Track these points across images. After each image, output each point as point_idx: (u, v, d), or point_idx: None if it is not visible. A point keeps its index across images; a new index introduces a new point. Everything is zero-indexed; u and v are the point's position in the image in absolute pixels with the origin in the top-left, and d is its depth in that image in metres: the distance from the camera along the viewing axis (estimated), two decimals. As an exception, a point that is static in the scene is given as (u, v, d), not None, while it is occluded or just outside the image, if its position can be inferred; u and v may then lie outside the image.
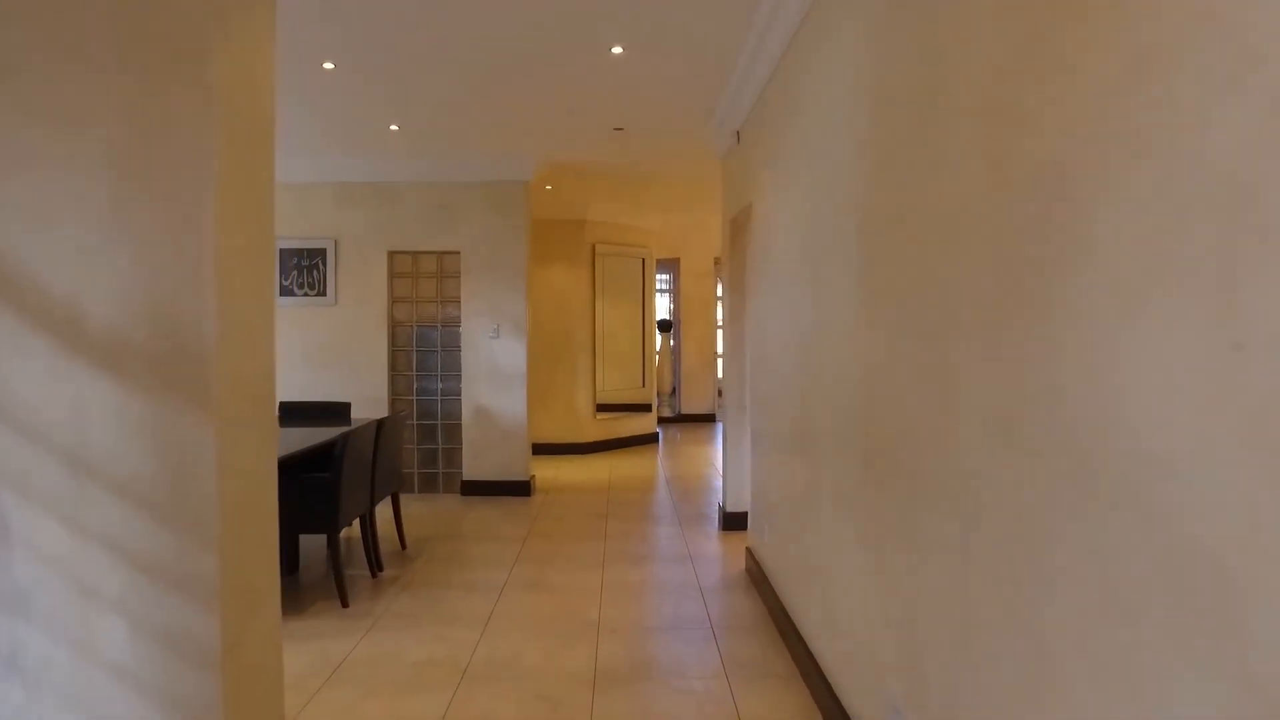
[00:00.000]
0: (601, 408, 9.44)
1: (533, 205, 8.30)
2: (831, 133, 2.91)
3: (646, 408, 10.06)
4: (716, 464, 8.61)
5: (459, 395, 6.97)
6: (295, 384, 6.84)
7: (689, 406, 12.29)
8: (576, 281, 9.26)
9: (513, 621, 3.92)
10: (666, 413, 12.02)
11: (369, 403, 6.86)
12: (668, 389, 12.12)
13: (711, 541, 5.45)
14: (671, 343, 12.33)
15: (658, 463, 8.77)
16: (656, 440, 10.17)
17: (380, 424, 4.72)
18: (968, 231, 1.74)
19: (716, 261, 12.35)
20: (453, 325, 7.01)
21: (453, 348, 7.00)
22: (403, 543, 5.26)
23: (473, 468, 6.93)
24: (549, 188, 8.05)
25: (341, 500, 4.06)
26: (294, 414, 5.65)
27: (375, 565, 4.65)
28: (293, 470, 4.43)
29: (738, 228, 5.61)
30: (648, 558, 5.07)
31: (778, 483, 3.99)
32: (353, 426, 4.92)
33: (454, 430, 7.02)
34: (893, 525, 2.23)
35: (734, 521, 5.70)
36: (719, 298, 12.92)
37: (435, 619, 3.96)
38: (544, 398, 9.13)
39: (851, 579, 2.68)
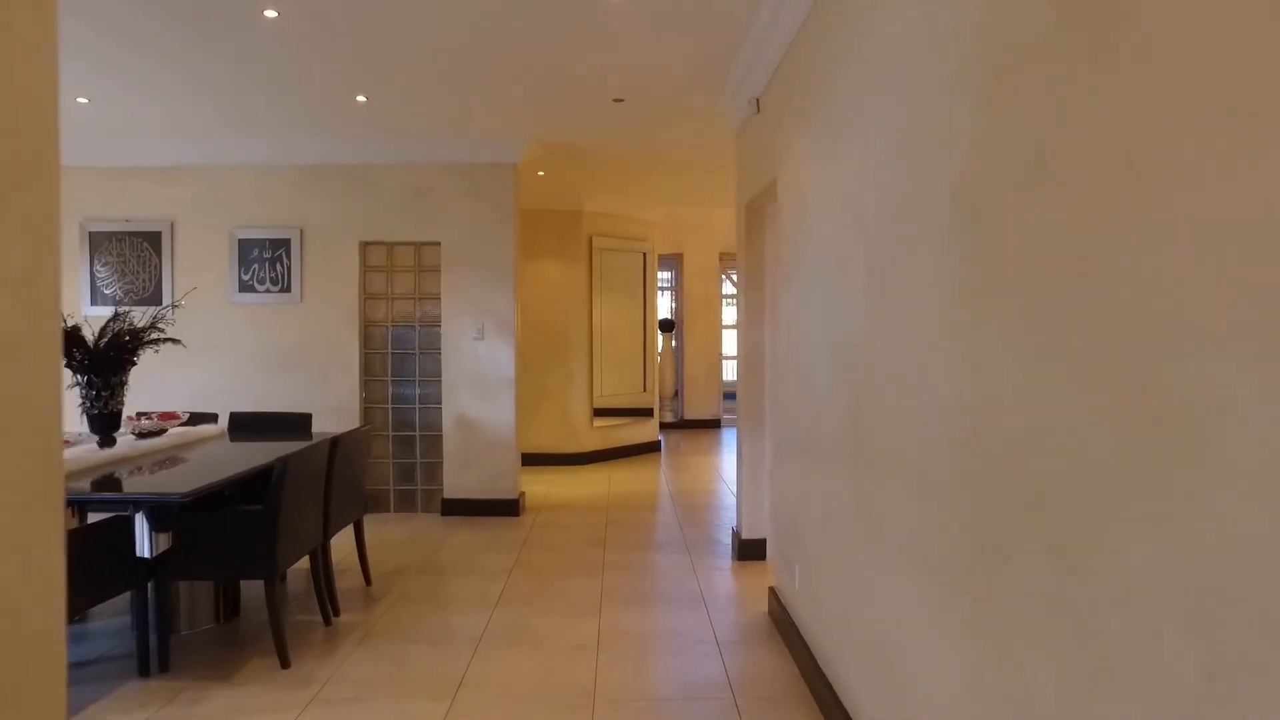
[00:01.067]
0: (599, 412, 8.71)
1: (523, 193, 7.57)
2: (904, 71, 2.18)
3: (648, 413, 9.33)
4: (725, 476, 7.88)
5: (439, 403, 6.24)
6: (255, 393, 6.11)
7: (692, 411, 11.56)
8: (572, 277, 8.54)
9: (488, 691, 3.18)
10: (668, 418, 11.30)
11: (338, 413, 6.13)
12: (670, 393, 11.40)
13: (725, 575, 4.73)
14: (674, 344, 11.61)
15: (660, 475, 8.04)
16: (658, 449, 9.44)
17: (335, 442, 3.99)
18: (1214, 165, 1.01)
19: (722, 257, 11.63)
20: (432, 325, 6.27)
21: (432, 350, 6.27)
22: (367, 578, 4.52)
23: (455, 484, 6.21)
24: (541, 174, 7.32)
25: (280, 538, 3.33)
26: (245, 427, 4.92)
27: (330, 610, 3.92)
28: (223, 502, 3.69)
29: (755, 213, 4.88)
30: (652, 597, 4.34)
31: (812, 514, 3.26)
32: (312, 441, 4.20)
33: (434, 443, 6.29)
34: (1030, 620, 1.50)
35: (751, 550, 4.97)
36: (727, 296, 12.19)
37: (393, 687, 3.22)
38: (537, 404, 8.41)
39: (940, 666, 1.95)
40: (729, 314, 12.49)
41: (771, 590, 4.07)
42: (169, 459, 3.91)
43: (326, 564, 3.93)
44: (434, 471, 6.31)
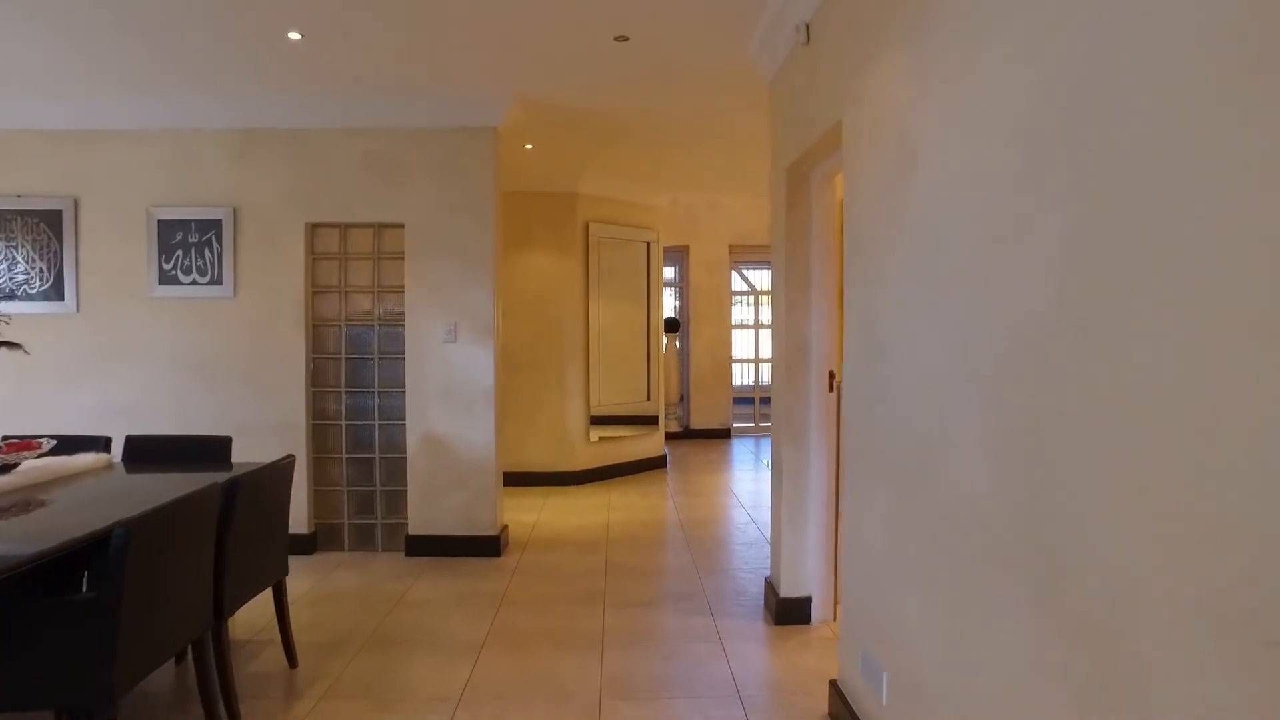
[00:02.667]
0: (597, 420, 7.63)
1: (509, 171, 6.48)
2: None
3: (652, 421, 8.24)
4: (742, 499, 6.79)
5: (403, 420, 5.14)
6: (177, 409, 5.01)
7: (700, 420, 10.48)
8: (566, 270, 7.45)
9: None
10: (673, 427, 10.22)
11: (280, 431, 5.03)
12: (675, 399, 10.31)
13: (761, 649, 3.64)
14: (678, 345, 10.53)
15: (667, 498, 6.95)
16: (664, 464, 8.35)
17: (233, 488, 2.89)
18: None
19: (732, 249, 10.55)
20: (395, 324, 5.18)
21: (395, 355, 5.18)
22: (291, 658, 3.43)
23: (422, 518, 5.11)
24: (529, 147, 6.23)
25: (122, 642, 2.23)
26: (145, 456, 3.82)
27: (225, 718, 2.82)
28: (38, 583, 2.60)
29: (799, 179, 3.80)
30: (668, 687, 3.25)
31: (922, 616, 2.17)
32: (235, 473, 3.12)
33: (397, 467, 5.20)
34: None
35: (792, 612, 3.89)
36: (737, 293, 11.10)
37: None
38: (526, 417, 7.32)
39: None
40: (738, 312, 11.40)
41: (834, 686, 2.98)
42: (16, 505, 2.82)
43: (220, 653, 2.84)
44: (397, 502, 5.21)
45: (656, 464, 8.27)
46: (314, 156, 5.04)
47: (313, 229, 5.13)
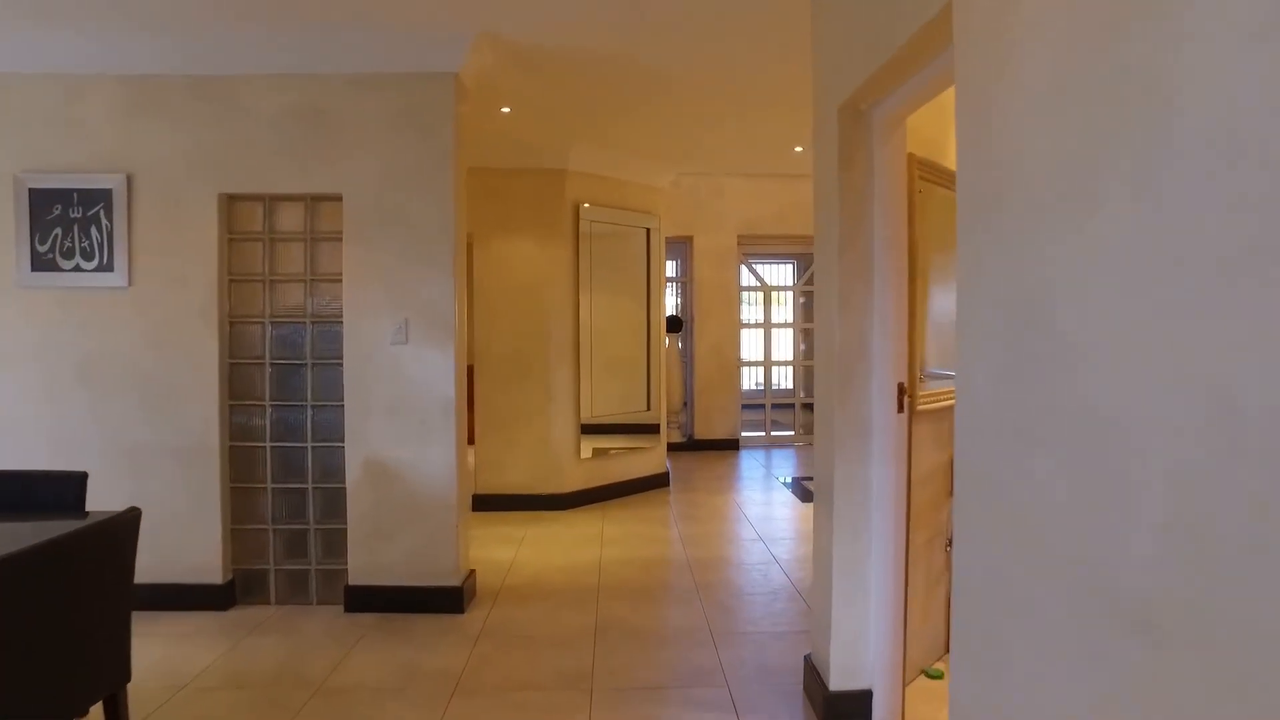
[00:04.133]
0: (589, 429, 6.60)
1: (482, 138, 5.46)
2: None
3: (652, 430, 7.21)
4: (755, 524, 5.76)
5: (341, 441, 4.11)
6: (56, 428, 3.99)
7: (704, 429, 9.45)
8: (553, 259, 6.42)
9: None
10: (675, 437, 9.18)
11: (187, 456, 4.00)
12: (677, 406, 9.28)
13: (810, 772, 2.61)
14: (680, 345, 9.50)
15: (671, 526, 5.92)
16: (666, 483, 7.32)
17: (11, 564, 1.86)
18: None
19: (741, 240, 9.52)
20: (332, 321, 4.15)
21: (332, 359, 4.15)
22: (139, 799, 2.40)
23: (367, 563, 4.08)
24: (506, 110, 5.21)
25: None
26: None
27: None
28: None
29: (856, 120, 2.79)
30: None
31: None
32: (86, 521, 2.12)
33: (334, 499, 4.16)
34: None
35: (847, 711, 2.86)
36: (746, 288, 10.07)
37: None
38: (504, 430, 6.30)
39: None
40: (747, 311, 10.37)
41: None
42: None
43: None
44: (335, 542, 4.18)
45: (657, 482, 7.23)
46: (229, 109, 4.01)
47: (229, 202, 4.09)
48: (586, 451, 6.59)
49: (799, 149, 6.51)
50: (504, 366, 6.35)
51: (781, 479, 7.76)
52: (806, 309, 10.43)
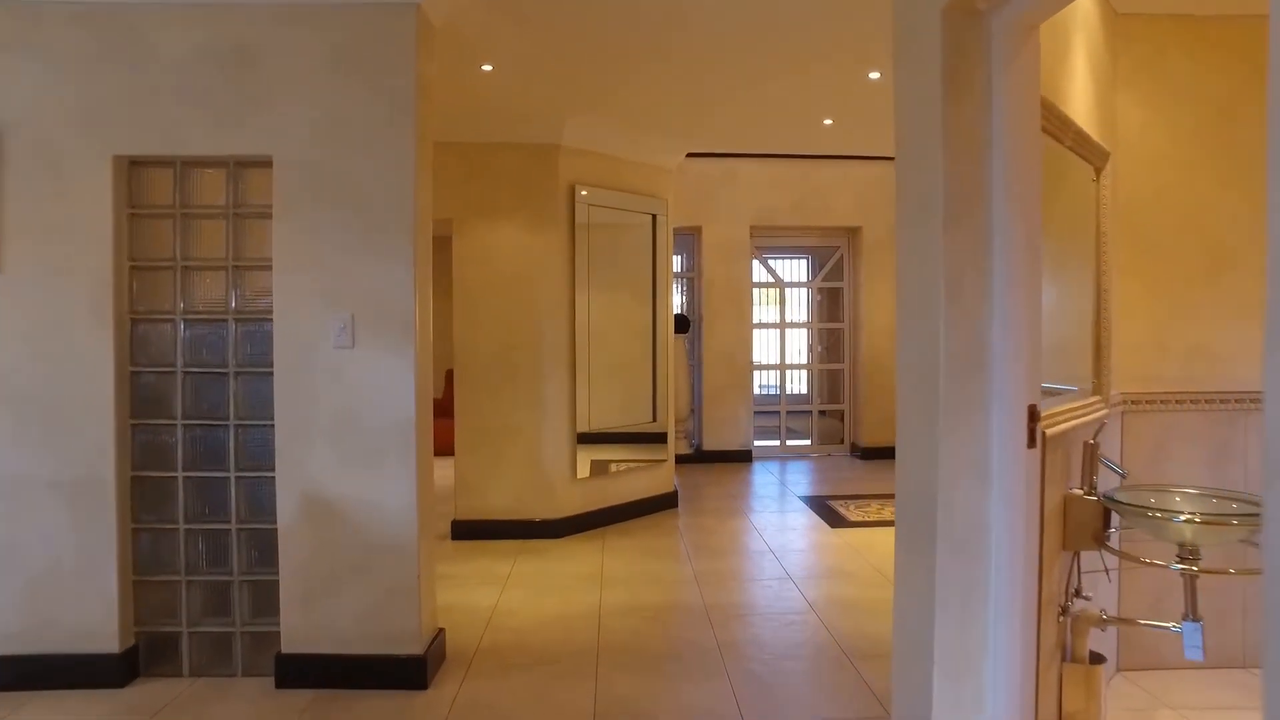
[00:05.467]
0: (586, 439, 5.75)
1: (459, 102, 4.61)
2: None
3: (658, 439, 6.35)
4: (782, 556, 4.90)
5: (272, 470, 3.24)
6: (-109, 451, 3.11)
7: (714, 439, 8.59)
8: (545, 249, 5.56)
9: None
10: (683, 448, 8.32)
11: (72, 488, 3.14)
12: (685, 414, 8.42)
13: None
14: (688, 347, 8.64)
15: (682, 560, 5.06)
16: (674, 504, 6.46)
17: None
18: None
19: (754, 231, 8.68)
20: (259, 319, 3.28)
21: (259, 368, 3.28)
22: None
23: (303, 625, 3.21)
24: (488, 68, 4.37)
25: None
26: None
27: None
28: None
29: (969, 37, 1.91)
30: None
31: None
32: None
33: (265, 542, 3.29)
34: None
35: None
36: (759, 284, 9.24)
37: None
38: (488, 446, 5.47)
39: None
40: (759, 312, 9.51)
41: None
42: None
43: None
44: (266, 598, 3.30)
45: (664, 503, 6.37)
46: (125, 49, 3.14)
47: (127, 167, 3.23)
48: (584, 469, 5.73)
49: (828, 121, 5.65)
50: (488, 371, 5.50)
51: (802, 498, 6.89)
52: (823, 308, 9.57)
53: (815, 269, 10.82)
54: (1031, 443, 1.97)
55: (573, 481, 5.65)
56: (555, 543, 5.40)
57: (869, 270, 8.68)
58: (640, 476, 6.20)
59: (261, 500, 3.26)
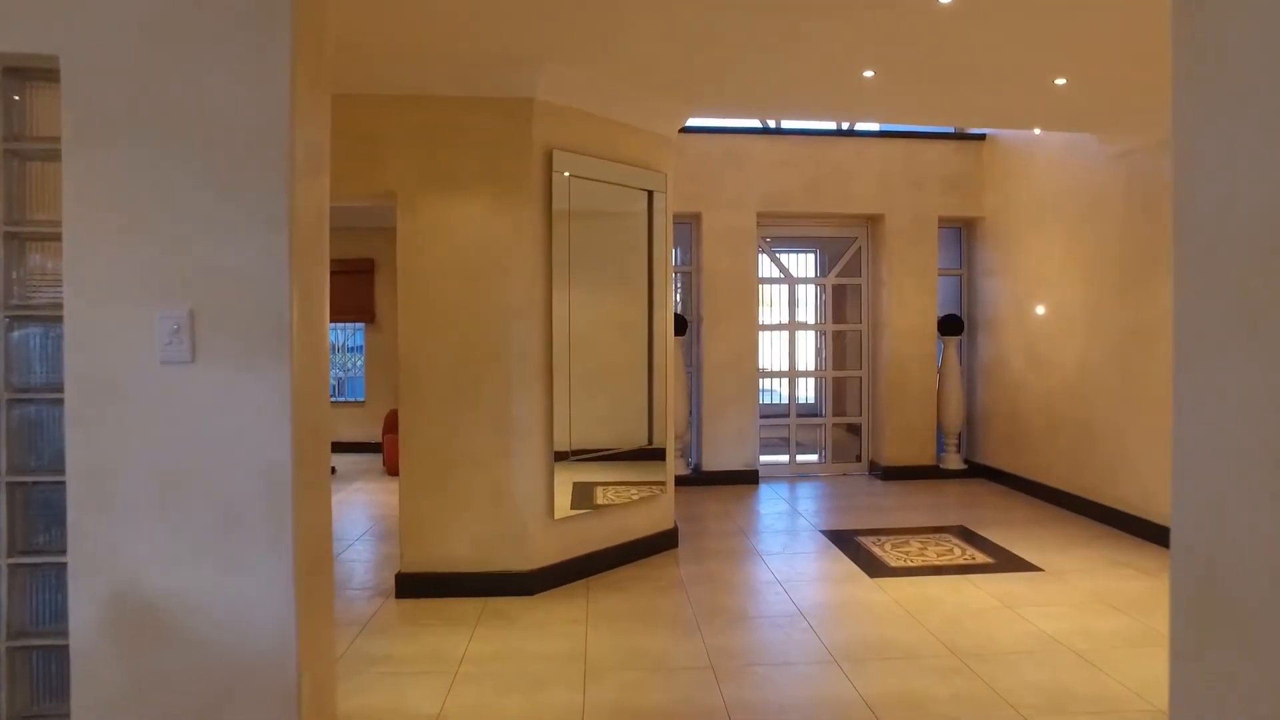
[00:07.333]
0: (561, 457, 4.60)
1: (394, 28, 3.44)
2: None
3: (655, 457, 5.21)
4: (810, 616, 3.77)
5: (63, 553, 2.06)
6: None
7: (714, 458, 7.46)
8: (515, 229, 4.41)
9: None
10: (680, 468, 7.18)
11: None
12: (682, 429, 7.28)
13: None
14: (687, 353, 7.50)
15: (689, 628, 3.91)
16: (674, 543, 5.32)
17: None
18: None
19: (761, 219, 7.56)
20: (43, 318, 2.11)
21: (45, 390, 2.10)
22: None
23: (116, 798, 2.04)
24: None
25: None
26: None
27: None
28: None
29: None
30: None
31: None
32: None
33: (52, 669, 2.11)
34: None
35: None
36: (767, 279, 8.12)
37: None
38: (439, 479, 4.32)
39: None
40: (765, 312, 8.38)
41: None
42: None
43: None
44: (63, 750, 2.13)
45: (663, 543, 5.23)
46: None
47: None
48: (563, 505, 4.58)
49: (869, 73, 4.53)
50: (443, 385, 4.34)
51: (822, 530, 5.77)
52: (837, 307, 8.45)
53: (823, 264, 9.71)
54: None
55: (549, 523, 4.50)
56: (527, 602, 4.25)
57: (891, 264, 7.58)
58: (634, 513, 5.05)
59: (46, 604, 2.09)
